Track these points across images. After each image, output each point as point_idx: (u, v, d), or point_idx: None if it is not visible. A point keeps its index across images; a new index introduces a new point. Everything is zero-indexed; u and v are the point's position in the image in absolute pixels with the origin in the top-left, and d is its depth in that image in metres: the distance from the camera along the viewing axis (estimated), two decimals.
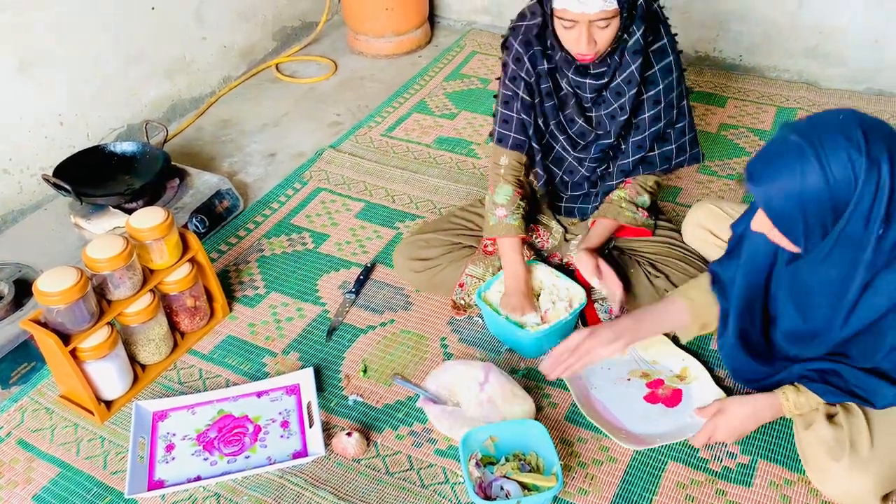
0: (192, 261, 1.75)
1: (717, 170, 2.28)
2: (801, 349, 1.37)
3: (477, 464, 1.42)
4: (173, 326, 1.77)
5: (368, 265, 1.98)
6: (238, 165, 2.43)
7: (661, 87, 1.63)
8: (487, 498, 1.37)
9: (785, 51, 2.66)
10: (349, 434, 1.51)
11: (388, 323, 1.82)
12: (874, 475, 1.30)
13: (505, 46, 1.69)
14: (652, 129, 1.67)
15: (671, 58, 1.62)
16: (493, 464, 1.44)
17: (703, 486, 1.44)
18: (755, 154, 1.19)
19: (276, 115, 2.67)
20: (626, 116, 1.64)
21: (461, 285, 1.79)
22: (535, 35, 1.62)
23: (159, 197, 2.10)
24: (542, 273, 1.75)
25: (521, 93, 1.67)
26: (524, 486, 1.39)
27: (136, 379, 1.69)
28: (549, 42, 1.61)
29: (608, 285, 1.65)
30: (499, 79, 1.74)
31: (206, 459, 1.53)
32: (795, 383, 1.37)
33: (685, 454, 1.49)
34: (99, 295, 1.58)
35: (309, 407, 1.61)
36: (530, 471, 1.42)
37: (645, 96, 1.63)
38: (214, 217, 2.12)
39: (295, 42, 3.08)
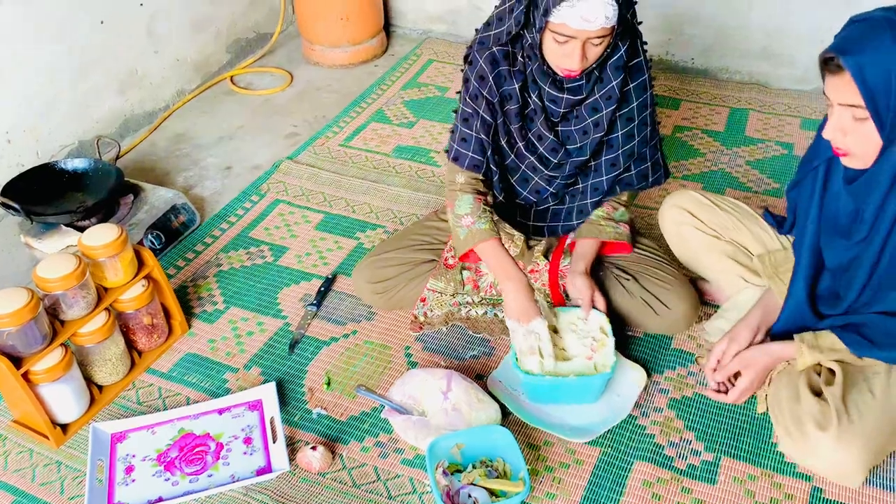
0: (148, 277, 1.72)
1: (674, 171, 2.30)
2: (845, 289, 1.45)
3: (444, 472, 1.40)
4: (130, 345, 1.73)
5: (329, 276, 1.97)
6: (194, 179, 2.39)
7: (635, 104, 1.60)
8: None
9: (736, 53, 2.71)
10: (314, 448, 1.49)
11: (351, 334, 1.81)
12: (861, 447, 1.34)
13: (468, 61, 1.61)
14: (625, 148, 1.64)
15: (646, 75, 1.60)
16: (460, 471, 1.43)
17: (668, 485, 1.44)
18: (842, 35, 1.25)
19: (231, 128, 2.64)
20: (601, 133, 1.60)
21: (423, 300, 1.77)
22: (502, 46, 1.55)
23: (113, 214, 2.06)
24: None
25: (481, 112, 1.60)
26: (492, 493, 1.39)
27: (92, 400, 1.64)
28: (519, 54, 1.55)
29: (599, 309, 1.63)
30: (459, 92, 1.67)
31: (167, 480, 1.50)
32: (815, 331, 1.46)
33: (650, 453, 1.50)
34: (51, 315, 1.54)
35: (272, 422, 1.58)
36: (497, 477, 1.42)
37: (619, 113, 1.60)
38: (171, 232, 2.08)
39: (249, 54, 3.05)
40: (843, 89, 1.26)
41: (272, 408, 1.61)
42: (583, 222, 1.74)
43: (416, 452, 1.52)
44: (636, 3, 1.51)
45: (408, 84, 2.84)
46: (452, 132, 1.68)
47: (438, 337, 1.78)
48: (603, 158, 1.66)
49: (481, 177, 1.67)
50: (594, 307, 1.62)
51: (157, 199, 2.12)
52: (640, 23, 1.56)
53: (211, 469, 1.51)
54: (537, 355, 1.53)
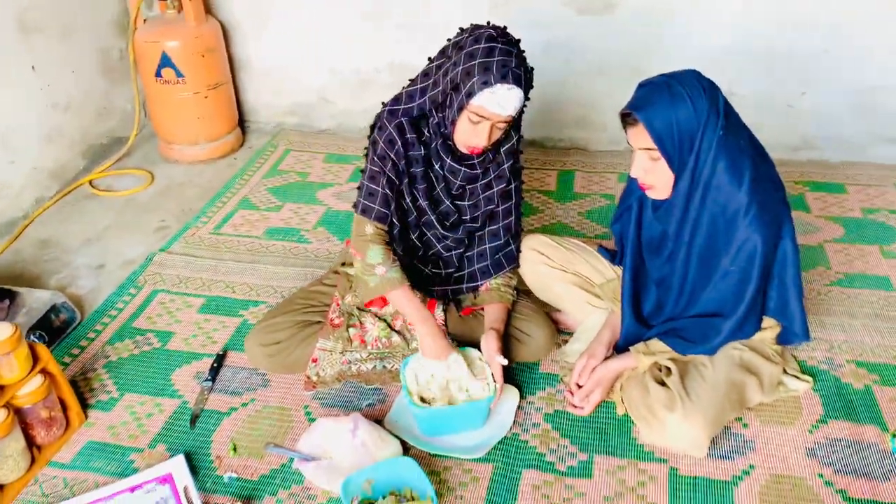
0: (44, 372, 1.76)
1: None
2: (666, 299, 1.79)
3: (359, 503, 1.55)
4: (29, 440, 1.75)
5: (220, 353, 2.07)
6: (66, 280, 2.42)
7: (513, 186, 1.91)
8: None
9: (558, 124, 3.12)
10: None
11: (250, 402, 1.92)
12: (702, 420, 1.64)
13: (378, 126, 1.81)
14: (505, 222, 1.94)
15: (521, 161, 1.91)
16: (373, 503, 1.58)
17: (553, 486, 1.66)
18: (634, 96, 1.61)
19: (97, 229, 2.69)
20: (492, 206, 1.89)
21: (314, 360, 1.92)
22: (410, 121, 1.78)
23: None
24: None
25: (387, 171, 1.79)
26: None
27: None
28: (425, 129, 1.79)
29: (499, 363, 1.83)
30: (366, 155, 1.85)
31: None
32: (645, 340, 1.78)
33: (535, 461, 1.72)
34: None
35: (186, 491, 1.66)
36: (408, 502, 1.57)
37: (505, 191, 1.90)
38: (53, 331, 2.11)
39: (106, 158, 3.12)
40: (640, 137, 1.61)
41: (184, 478, 1.68)
42: (475, 287, 2.00)
43: (329, 496, 1.65)
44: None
45: (269, 173, 3.02)
46: (359, 188, 1.86)
47: (333, 392, 1.93)
48: (487, 229, 1.94)
49: (386, 228, 1.86)
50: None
51: (35, 300, 2.15)
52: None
53: None
54: (450, 387, 1.77)
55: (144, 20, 2.98)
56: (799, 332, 1.79)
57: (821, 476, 1.67)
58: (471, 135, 1.72)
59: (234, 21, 3.17)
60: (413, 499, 1.59)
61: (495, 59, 1.63)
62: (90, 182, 2.97)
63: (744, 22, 2.78)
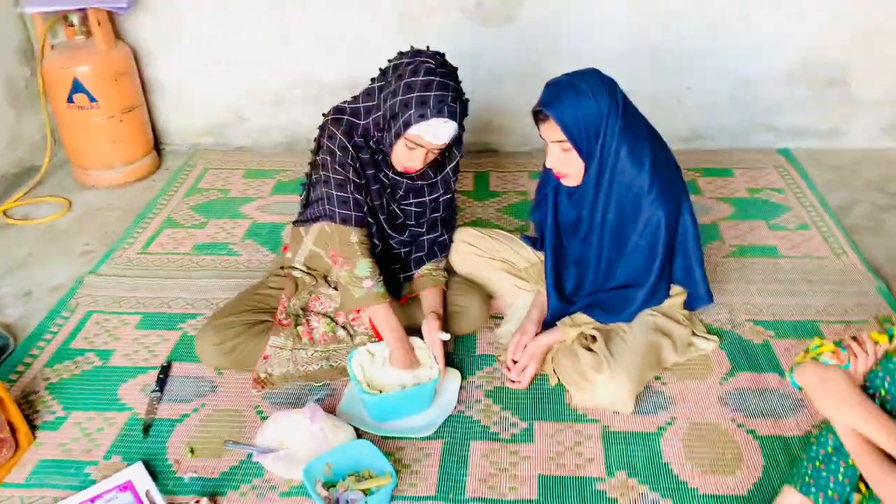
0: None
1: None
2: (585, 276, 1.96)
3: (322, 486, 1.64)
4: None
5: (164, 365, 2.11)
6: None
7: (451, 192, 2.07)
8: None
9: (469, 128, 3.27)
10: (197, 502, 1.65)
11: (201, 408, 1.97)
12: (627, 378, 1.82)
13: (328, 136, 1.90)
14: (443, 215, 2.10)
15: (457, 174, 2.06)
16: (334, 486, 1.67)
17: (500, 452, 1.80)
18: (543, 95, 1.77)
19: (18, 258, 2.66)
20: (436, 214, 2.05)
21: (265, 357, 2.00)
22: (358, 132, 1.89)
23: None
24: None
25: (351, 177, 1.89)
26: (365, 493, 1.64)
27: None
28: (372, 143, 1.90)
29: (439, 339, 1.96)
30: (320, 166, 1.94)
31: None
32: (570, 315, 1.94)
33: (481, 433, 1.86)
34: None
35: (148, 494, 1.70)
36: (367, 479, 1.68)
37: (444, 198, 2.06)
38: None
39: (19, 187, 3.07)
40: (552, 131, 1.79)
41: (145, 483, 1.73)
42: (410, 276, 2.13)
43: (289, 485, 1.73)
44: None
45: (189, 191, 3.05)
46: (327, 199, 1.93)
47: (283, 391, 2.00)
48: (414, 232, 2.09)
49: (366, 231, 1.95)
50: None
51: None
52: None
53: None
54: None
55: (52, 46, 2.96)
56: (703, 296, 2.01)
57: (733, 420, 1.88)
58: (406, 158, 1.87)
59: (143, 45, 3.19)
60: (371, 477, 1.69)
61: (432, 93, 1.76)
62: (4, 212, 2.92)
63: (632, 27, 3.03)
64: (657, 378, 1.99)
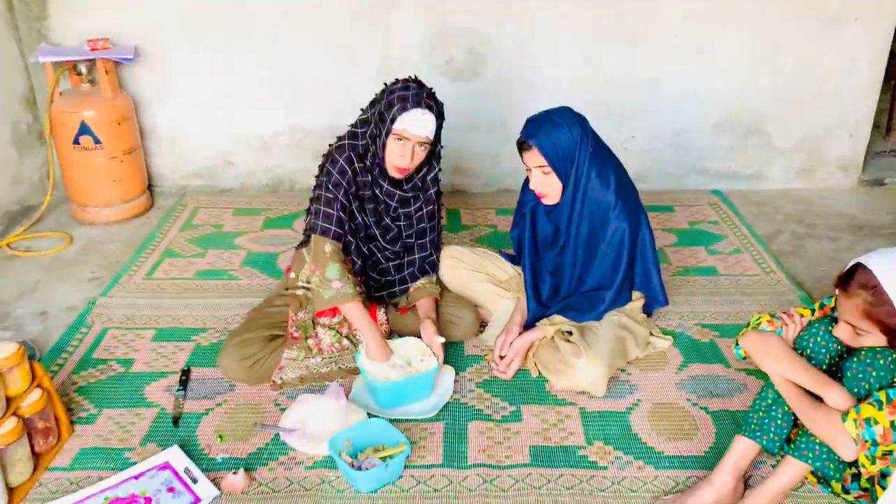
0: (39, 386, 1.97)
1: None
2: (561, 283, 2.27)
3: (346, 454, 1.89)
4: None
5: (185, 368, 2.33)
6: (12, 328, 2.57)
7: (436, 207, 2.38)
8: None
9: (443, 171, 3.63)
10: (235, 472, 1.87)
11: (223, 402, 2.20)
12: (601, 363, 2.12)
13: (331, 161, 2.21)
14: (431, 237, 2.41)
15: (440, 188, 2.38)
16: (354, 458, 1.92)
17: (494, 430, 2.09)
18: (525, 128, 2.11)
19: (29, 284, 2.85)
20: (423, 224, 2.35)
21: (280, 367, 2.24)
22: (359, 153, 2.21)
23: None
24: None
25: (340, 197, 2.20)
26: (383, 460, 1.90)
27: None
28: (369, 160, 2.20)
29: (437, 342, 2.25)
30: (318, 186, 2.24)
31: None
32: (548, 316, 2.24)
33: (476, 415, 2.14)
34: None
35: (187, 471, 1.91)
36: (383, 449, 1.93)
37: (428, 210, 2.36)
38: None
39: (19, 224, 3.26)
40: (534, 158, 2.14)
41: (182, 461, 1.94)
42: (406, 289, 2.41)
43: (313, 460, 1.97)
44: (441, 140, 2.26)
45: (185, 226, 3.29)
46: (315, 213, 2.22)
47: (298, 388, 2.25)
48: (417, 243, 2.39)
49: (341, 245, 2.24)
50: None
51: None
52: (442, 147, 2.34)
53: None
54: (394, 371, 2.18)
55: (60, 93, 3.21)
56: (660, 299, 2.37)
57: (689, 400, 2.21)
58: (397, 155, 2.18)
59: (141, 95, 3.47)
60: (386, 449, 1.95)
61: (411, 93, 2.15)
62: (8, 245, 3.10)
63: (584, 83, 3.46)
64: (622, 370, 2.32)
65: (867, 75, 3.50)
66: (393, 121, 2.13)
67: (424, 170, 2.29)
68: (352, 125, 2.28)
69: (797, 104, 3.55)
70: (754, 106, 3.56)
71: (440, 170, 2.37)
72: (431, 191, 2.35)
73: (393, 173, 2.23)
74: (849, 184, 3.71)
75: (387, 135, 2.15)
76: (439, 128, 2.21)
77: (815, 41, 3.43)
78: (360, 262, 2.33)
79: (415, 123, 2.13)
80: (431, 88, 2.23)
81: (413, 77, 2.23)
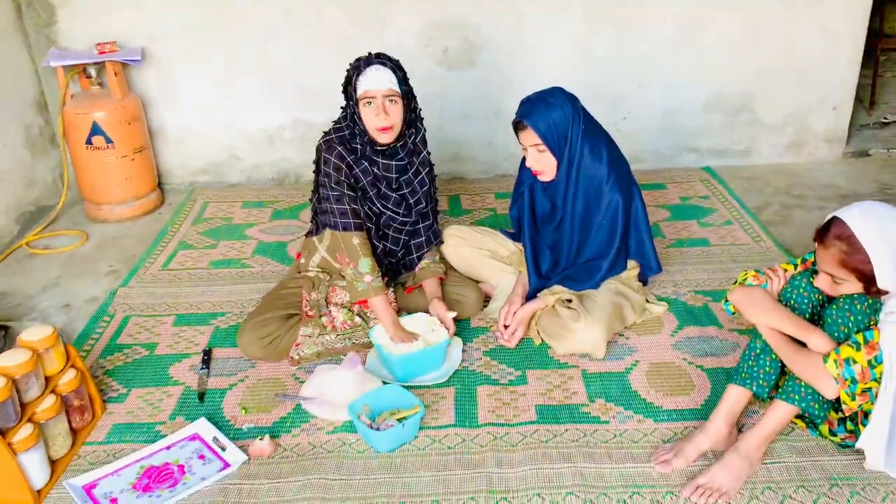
0: (74, 367, 2.09)
1: None
2: (559, 256, 2.39)
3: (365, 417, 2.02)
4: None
5: (206, 349, 2.46)
6: (39, 319, 2.70)
7: (430, 170, 2.48)
8: None
9: (438, 160, 3.75)
10: (262, 439, 2.00)
11: (245, 379, 2.32)
12: (600, 326, 2.25)
13: (323, 161, 2.32)
14: (431, 205, 2.52)
15: (426, 147, 2.48)
16: (373, 421, 2.05)
17: (501, 393, 2.21)
18: (520, 109, 2.23)
19: (51, 278, 2.98)
20: (426, 187, 2.45)
21: (297, 344, 2.36)
22: (345, 139, 2.32)
23: None
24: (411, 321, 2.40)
25: (346, 191, 2.33)
26: (400, 421, 2.03)
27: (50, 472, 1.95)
28: (357, 142, 2.31)
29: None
30: (324, 187, 2.34)
31: (150, 497, 1.88)
32: (548, 287, 2.37)
33: (484, 380, 2.27)
34: None
35: (216, 440, 2.04)
36: (399, 412, 2.06)
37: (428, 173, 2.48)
38: None
39: (35, 224, 3.38)
40: (530, 137, 2.27)
41: (211, 431, 2.07)
42: (412, 267, 2.54)
43: (333, 426, 2.10)
44: (412, 91, 2.35)
45: (196, 220, 3.42)
46: (328, 212, 2.35)
47: (314, 365, 2.37)
48: (426, 208, 2.50)
49: (365, 233, 2.36)
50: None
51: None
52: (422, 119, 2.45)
53: (183, 480, 1.93)
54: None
55: (72, 96, 3.34)
56: (654, 266, 2.49)
57: (685, 359, 2.34)
58: (372, 117, 2.27)
59: (149, 96, 3.59)
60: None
61: (362, 59, 2.29)
62: (27, 244, 3.23)
63: (575, 69, 3.59)
64: (621, 335, 2.45)
65: (848, 51, 3.63)
66: (356, 89, 2.26)
67: (411, 132, 2.40)
68: (334, 121, 2.41)
69: (783, 81, 3.67)
70: (742, 84, 3.69)
71: (425, 130, 2.47)
72: (423, 153, 2.46)
73: (379, 137, 2.31)
74: (833, 156, 3.84)
75: (356, 104, 2.27)
76: (403, 81, 2.30)
77: (799, 20, 3.56)
78: (380, 246, 2.45)
79: (373, 80, 2.24)
80: (395, 58, 2.34)
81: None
